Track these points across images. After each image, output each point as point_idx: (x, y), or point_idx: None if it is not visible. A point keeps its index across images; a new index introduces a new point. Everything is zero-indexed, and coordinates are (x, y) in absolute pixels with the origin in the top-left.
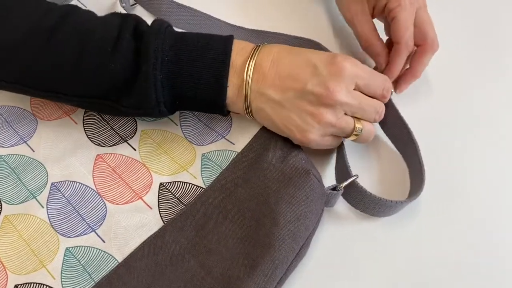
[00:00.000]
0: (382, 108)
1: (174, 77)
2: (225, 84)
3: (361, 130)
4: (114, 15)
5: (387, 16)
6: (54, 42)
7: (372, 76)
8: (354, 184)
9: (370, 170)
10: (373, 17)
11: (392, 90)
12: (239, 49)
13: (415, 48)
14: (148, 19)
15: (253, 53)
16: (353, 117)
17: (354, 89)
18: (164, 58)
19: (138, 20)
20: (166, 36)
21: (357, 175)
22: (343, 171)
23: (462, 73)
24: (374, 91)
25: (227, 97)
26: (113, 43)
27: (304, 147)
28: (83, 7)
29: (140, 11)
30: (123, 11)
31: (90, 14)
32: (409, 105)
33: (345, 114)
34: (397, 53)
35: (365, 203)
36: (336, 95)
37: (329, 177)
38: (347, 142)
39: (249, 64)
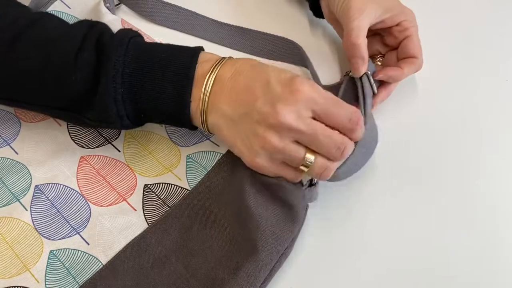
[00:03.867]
0: (345, 145)
1: (136, 90)
2: (188, 99)
3: (312, 162)
4: (82, 23)
5: (398, 36)
6: (16, 52)
7: (334, 104)
8: None
9: None
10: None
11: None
12: (203, 61)
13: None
14: (133, 18)
15: (216, 65)
16: (307, 148)
17: (313, 118)
18: (125, 71)
19: (103, 30)
20: (130, 48)
21: None
22: None
23: (448, 73)
24: (337, 122)
25: (190, 112)
26: (74, 54)
27: None
28: (66, 7)
29: (125, 11)
30: (108, 12)
31: (57, 23)
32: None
33: (297, 142)
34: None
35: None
36: (281, 117)
37: None
38: None
39: (209, 76)
